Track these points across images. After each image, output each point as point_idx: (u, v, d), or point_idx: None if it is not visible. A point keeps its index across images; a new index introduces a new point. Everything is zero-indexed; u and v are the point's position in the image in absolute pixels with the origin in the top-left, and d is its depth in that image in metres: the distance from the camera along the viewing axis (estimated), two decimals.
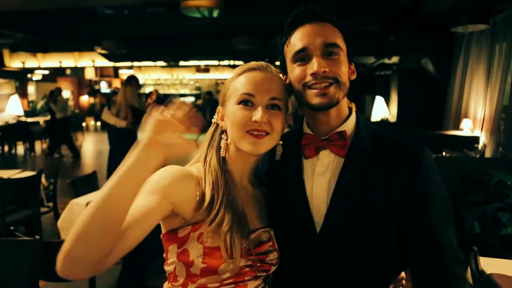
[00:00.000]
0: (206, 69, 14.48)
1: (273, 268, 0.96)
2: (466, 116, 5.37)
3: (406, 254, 0.90)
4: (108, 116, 4.59)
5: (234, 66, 11.14)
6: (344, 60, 0.90)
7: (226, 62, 11.29)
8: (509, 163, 3.44)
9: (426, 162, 0.88)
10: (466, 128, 5.13)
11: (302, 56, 0.89)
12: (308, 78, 0.88)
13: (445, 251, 0.85)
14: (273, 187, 1.02)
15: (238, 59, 9.21)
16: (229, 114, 0.94)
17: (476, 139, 4.80)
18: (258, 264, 0.93)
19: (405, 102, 8.06)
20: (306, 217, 0.92)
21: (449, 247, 0.86)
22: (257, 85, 0.92)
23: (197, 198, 0.89)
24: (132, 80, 4.73)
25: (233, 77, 0.97)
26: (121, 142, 4.55)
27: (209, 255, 0.86)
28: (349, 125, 0.95)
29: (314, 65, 0.86)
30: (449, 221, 0.88)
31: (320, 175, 0.93)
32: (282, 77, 0.99)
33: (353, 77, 0.95)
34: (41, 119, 10.91)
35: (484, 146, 4.67)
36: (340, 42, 0.90)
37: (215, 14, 3.61)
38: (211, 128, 1.01)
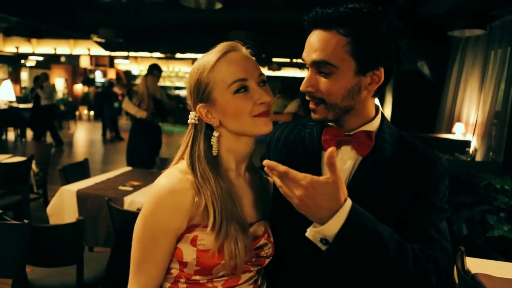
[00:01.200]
0: None
1: (267, 261, 0.95)
2: (458, 120, 5.42)
3: None
4: (129, 106, 4.44)
5: None
6: (341, 77, 0.83)
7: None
8: (498, 167, 3.50)
9: (439, 171, 0.88)
10: (458, 132, 5.18)
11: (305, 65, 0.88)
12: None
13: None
14: None
15: None
16: (225, 107, 0.86)
17: (467, 143, 4.86)
18: (254, 259, 0.91)
19: (400, 104, 8.10)
20: None
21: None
22: (243, 66, 0.87)
23: (194, 202, 0.86)
24: (154, 69, 4.58)
25: (208, 68, 0.87)
26: (141, 133, 4.47)
27: (203, 258, 0.85)
28: (375, 125, 0.92)
29: (304, 82, 0.87)
30: (444, 215, 0.87)
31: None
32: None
33: (372, 88, 0.86)
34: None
35: (475, 150, 4.73)
36: (334, 57, 0.81)
37: (217, 6, 3.57)
38: (190, 130, 0.93)
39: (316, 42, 0.83)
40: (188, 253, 0.85)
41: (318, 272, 0.89)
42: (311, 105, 0.87)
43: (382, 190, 0.86)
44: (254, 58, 0.92)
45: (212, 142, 0.91)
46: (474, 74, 5.07)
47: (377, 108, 0.94)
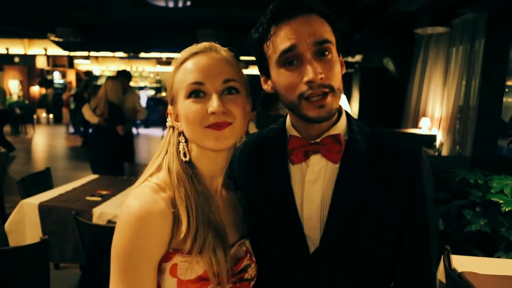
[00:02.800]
0: (167, 62, 14.06)
1: (252, 283, 0.86)
2: (424, 115, 5.60)
3: (395, 265, 0.85)
4: (84, 109, 4.25)
5: None
6: (336, 58, 0.80)
7: None
8: (467, 161, 3.62)
9: (425, 168, 0.83)
10: (425, 127, 5.35)
11: (290, 58, 0.76)
12: (304, 87, 0.76)
13: (431, 265, 0.84)
14: (255, 195, 0.89)
15: None
16: (181, 111, 0.80)
17: (433, 138, 5.02)
18: (238, 285, 0.82)
19: (367, 100, 8.30)
20: (296, 232, 0.82)
21: (433, 262, 0.84)
22: (205, 70, 0.78)
23: (173, 222, 0.76)
24: (122, 75, 4.43)
25: (175, 69, 0.82)
26: (100, 139, 4.24)
27: None
28: (341, 127, 0.85)
29: (308, 71, 0.74)
30: (435, 235, 0.86)
31: (312, 184, 0.83)
32: (261, 79, 0.86)
33: (343, 71, 0.84)
34: None
35: (441, 144, 4.89)
36: (330, 35, 0.78)
37: (186, 3, 3.44)
38: (167, 133, 0.87)
39: (308, 25, 0.76)
40: (168, 284, 0.75)
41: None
42: (316, 102, 0.76)
43: (370, 198, 0.80)
44: (233, 63, 0.82)
45: (180, 149, 0.83)
46: (437, 70, 5.24)
47: (339, 108, 0.86)
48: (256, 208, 0.88)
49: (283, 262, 0.84)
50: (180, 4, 3.83)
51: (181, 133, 0.83)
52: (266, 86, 0.86)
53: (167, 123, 0.86)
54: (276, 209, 0.85)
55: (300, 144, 0.84)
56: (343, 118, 0.87)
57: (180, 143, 0.83)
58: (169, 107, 0.84)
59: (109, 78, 4.33)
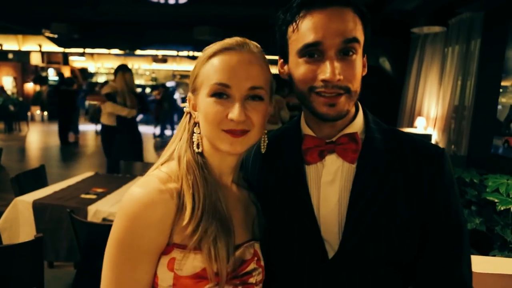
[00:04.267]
0: (163, 59, 13.99)
1: None
2: (420, 114, 5.62)
3: (415, 268, 0.80)
4: (118, 109, 4.21)
5: (193, 58, 10.86)
6: (360, 58, 0.76)
7: (185, 53, 10.95)
8: (462, 160, 3.64)
9: (449, 167, 0.79)
10: (420, 126, 5.37)
11: (312, 51, 0.73)
12: (318, 83, 0.73)
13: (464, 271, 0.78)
14: (269, 197, 0.86)
15: (199, 50, 8.97)
16: (201, 107, 0.78)
17: (429, 137, 5.04)
18: (240, 287, 0.79)
19: (362, 98, 8.20)
20: (314, 236, 0.78)
21: (466, 270, 0.79)
22: (233, 72, 0.75)
23: (176, 211, 0.74)
24: (126, 67, 4.47)
25: (204, 59, 0.79)
26: (125, 131, 4.32)
27: (180, 285, 0.73)
28: (358, 125, 0.82)
29: (327, 69, 0.71)
30: (466, 234, 0.80)
31: (328, 185, 0.79)
32: (279, 61, 0.83)
33: (364, 72, 0.80)
34: None
35: (437, 143, 4.92)
36: (360, 34, 0.75)
37: (181, 0, 3.41)
38: (184, 119, 0.85)
39: (341, 20, 0.72)
40: (165, 278, 0.74)
41: None
42: (328, 100, 0.73)
43: (391, 195, 0.76)
44: (262, 63, 0.79)
45: (193, 139, 0.82)
46: (433, 69, 5.26)
47: (357, 104, 0.84)
48: (271, 210, 0.85)
49: (300, 268, 0.80)
50: (172, 1, 3.81)
51: (197, 124, 0.82)
52: (282, 71, 0.83)
53: (184, 108, 0.85)
54: (292, 211, 0.81)
55: (315, 144, 0.81)
56: (360, 115, 0.84)
57: (195, 134, 0.82)
58: (189, 94, 0.83)
59: (122, 70, 4.32)
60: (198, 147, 0.81)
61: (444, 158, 0.79)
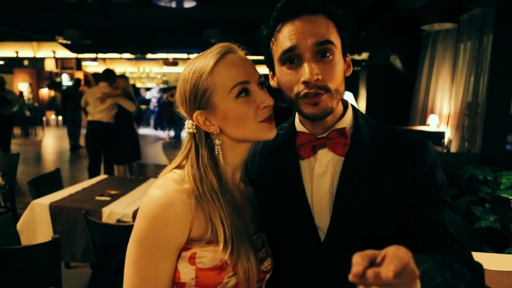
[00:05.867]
0: (174, 63, 14.12)
1: (267, 276, 0.89)
2: (432, 112, 5.55)
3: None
4: (128, 103, 4.82)
5: None
6: (339, 59, 0.81)
7: (195, 56, 11.02)
8: (475, 157, 3.59)
9: (430, 157, 0.84)
10: (433, 124, 5.30)
11: (291, 57, 0.79)
12: (300, 86, 0.79)
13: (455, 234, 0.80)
14: (267, 191, 0.93)
15: None
16: (227, 112, 0.80)
17: (442, 134, 4.97)
18: None
19: (374, 97, 8.25)
20: (308, 224, 0.85)
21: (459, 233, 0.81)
22: (244, 68, 0.82)
23: (194, 214, 0.79)
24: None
25: (207, 71, 0.80)
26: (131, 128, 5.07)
27: (202, 277, 0.78)
28: (347, 121, 0.88)
29: (305, 71, 0.77)
30: (456, 212, 0.83)
31: (320, 177, 0.86)
32: (269, 73, 0.90)
33: (349, 72, 0.86)
34: None
35: (450, 141, 4.85)
36: (335, 37, 0.80)
37: (189, 4, 3.46)
38: (189, 141, 0.85)
39: (312, 26, 0.78)
40: (186, 272, 0.78)
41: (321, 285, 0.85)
42: (310, 100, 0.79)
43: (375, 187, 0.82)
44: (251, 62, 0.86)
45: (216, 152, 0.84)
46: (445, 66, 5.19)
47: (345, 102, 0.90)
48: (269, 204, 0.91)
49: (297, 253, 0.87)
50: (187, 4, 3.86)
51: (210, 136, 0.85)
52: (272, 82, 0.89)
53: (186, 130, 0.85)
54: (288, 203, 0.88)
55: (307, 140, 0.87)
56: (349, 112, 0.90)
57: (216, 146, 0.84)
58: (197, 112, 0.82)
59: (124, 77, 4.88)
60: (221, 159, 0.85)
61: (426, 147, 0.84)
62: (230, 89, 0.80)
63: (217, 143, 0.84)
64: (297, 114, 0.93)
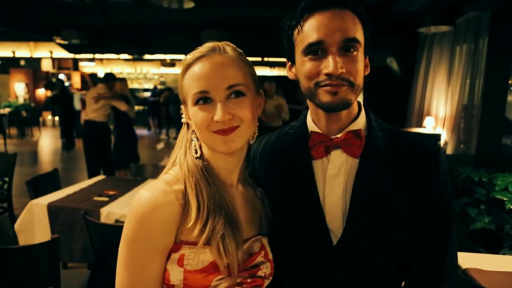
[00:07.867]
0: (171, 63, 14.10)
1: (266, 282, 0.87)
2: (428, 114, 5.58)
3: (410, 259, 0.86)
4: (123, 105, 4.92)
5: None
6: (361, 57, 0.81)
7: None
8: (471, 160, 3.62)
9: (444, 164, 0.84)
10: (429, 126, 5.34)
11: (316, 50, 0.78)
12: (322, 77, 0.78)
13: (444, 266, 0.83)
14: (277, 192, 0.91)
15: None
16: (191, 116, 0.84)
17: (438, 137, 5.01)
18: (249, 280, 0.83)
19: (370, 100, 8.25)
20: (320, 227, 0.84)
21: (447, 264, 0.84)
22: (208, 77, 0.79)
23: (181, 215, 0.79)
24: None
25: (182, 72, 0.84)
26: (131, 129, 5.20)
27: (190, 280, 0.77)
28: (361, 122, 0.87)
29: (330, 64, 0.76)
30: (455, 228, 0.85)
31: (333, 178, 0.85)
32: (287, 64, 0.88)
33: (367, 72, 0.85)
34: None
35: (446, 143, 4.88)
36: (360, 35, 0.80)
37: (189, 5, 3.47)
38: (183, 128, 0.91)
39: (341, 21, 0.78)
40: (175, 274, 0.78)
41: None
42: (331, 88, 0.77)
43: (391, 187, 0.82)
44: (238, 62, 0.83)
45: (192, 146, 0.88)
46: (441, 69, 5.23)
47: (359, 104, 0.90)
48: (279, 205, 0.90)
49: (307, 257, 0.86)
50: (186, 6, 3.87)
51: (194, 131, 0.87)
52: (290, 73, 0.88)
53: (182, 120, 0.90)
54: (299, 204, 0.87)
55: (321, 140, 0.86)
56: (363, 114, 0.89)
57: (193, 141, 0.87)
58: (182, 106, 0.88)
59: (120, 79, 4.99)
60: (196, 153, 0.86)
61: (440, 155, 0.84)
62: (191, 96, 0.82)
63: (194, 138, 0.88)
64: (309, 114, 0.92)
